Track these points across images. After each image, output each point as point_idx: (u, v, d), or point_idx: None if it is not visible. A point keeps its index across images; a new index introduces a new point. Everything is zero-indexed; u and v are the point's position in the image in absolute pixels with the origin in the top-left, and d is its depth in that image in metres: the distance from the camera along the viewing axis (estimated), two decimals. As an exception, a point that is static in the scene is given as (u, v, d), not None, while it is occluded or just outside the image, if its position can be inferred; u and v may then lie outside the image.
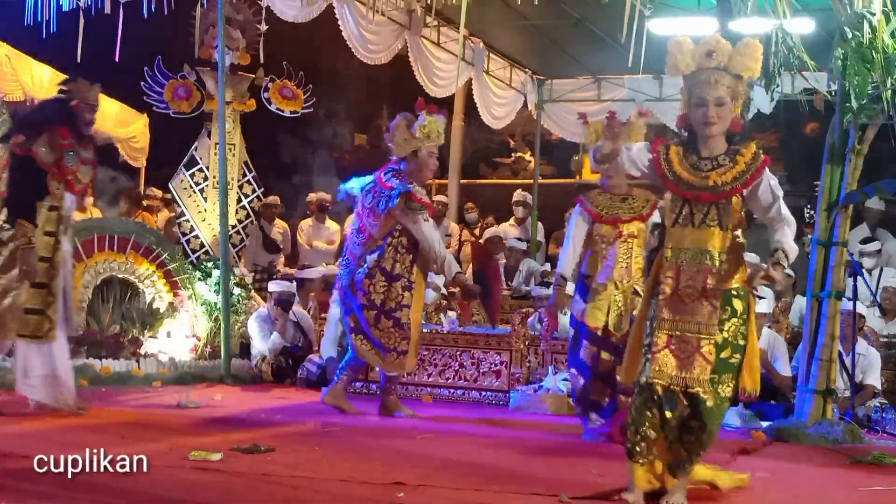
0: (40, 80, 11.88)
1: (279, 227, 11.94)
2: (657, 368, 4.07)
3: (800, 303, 8.82)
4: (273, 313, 9.21)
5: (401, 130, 6.81)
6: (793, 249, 4.13)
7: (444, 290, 9.45)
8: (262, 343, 9.13)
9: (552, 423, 7.05)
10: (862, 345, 7.71)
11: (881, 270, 9.58)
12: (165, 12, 8.67)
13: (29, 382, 6.20)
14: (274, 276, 10.60)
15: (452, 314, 8.99)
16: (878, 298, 8.87)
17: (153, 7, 8.57)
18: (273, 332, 9.12)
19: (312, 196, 12.49)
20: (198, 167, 10.34)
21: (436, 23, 11.06)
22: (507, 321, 9.02)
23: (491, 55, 12.23)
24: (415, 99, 6.92)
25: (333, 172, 18.60)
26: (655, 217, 6.19)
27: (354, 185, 7.12)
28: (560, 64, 12.63)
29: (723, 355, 4.09)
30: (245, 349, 9.54)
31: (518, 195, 12.58)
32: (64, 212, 6.21)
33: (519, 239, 11.45)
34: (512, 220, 12.55)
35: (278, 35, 10.46)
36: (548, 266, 11.29)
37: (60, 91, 6.30)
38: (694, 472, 4.22)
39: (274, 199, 12.08)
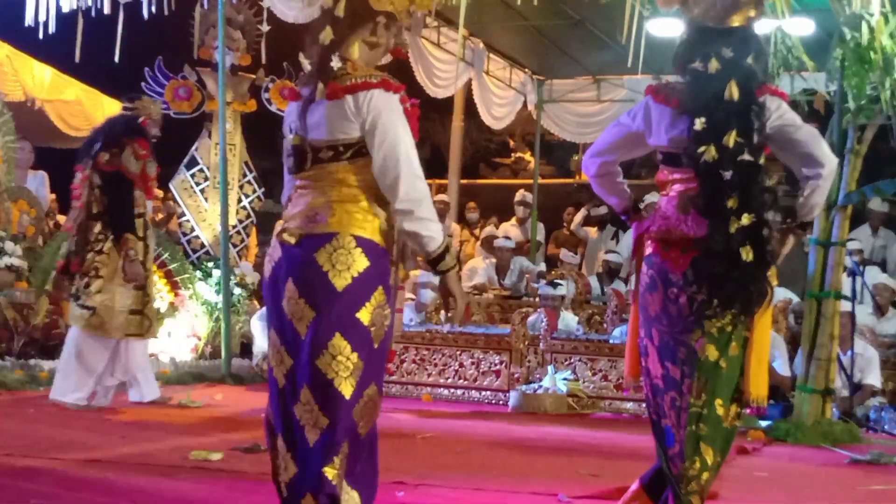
0: (41, 81, 11.90)
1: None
2: None
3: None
4: (274, 313, 9.21)
5: None
6: None
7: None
8: (263, 341, 9.14)
9: (552, 423, 7.07)
10: (860, 344, 7.73)
11: (864, 270, 9.56)
12: (165, 13, 8.67)
13: (134, 379, 6.85)
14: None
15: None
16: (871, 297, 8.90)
17: (153, 7, 8.58)
18: (274, 331, 9.12)
19: None
20: (198, 167, 10.35)
21: (436, 23, 11.07)
22: (506, 321, 9.03)
23: (491, 55, 12.23)
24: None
25: (334, 172, 18.60)
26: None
27: None
28: (560, 64, 12.63)
29: None
30: (245, 349, 9.55)
31: (520, 195, 12.58)
32: (146, 217, 6.87)
33: (506, 237, 11.43)
34: (513, 220, 12.53)
35: (279, 36, 10.47)
36: (543, 266, 11.28)
37: (125, 108, 6.92)
38: None
39: None
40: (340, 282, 2.80)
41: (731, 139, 3.13)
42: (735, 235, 3.12)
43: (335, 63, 2.88)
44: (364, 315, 2.82)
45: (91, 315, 6.58)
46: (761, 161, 3.23)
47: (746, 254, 3.12)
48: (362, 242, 2.82)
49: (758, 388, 3.31)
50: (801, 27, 7.54)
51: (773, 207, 3.23)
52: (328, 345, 2.80)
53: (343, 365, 2.81)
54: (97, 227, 6.66)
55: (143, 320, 6.77)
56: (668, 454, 3.27)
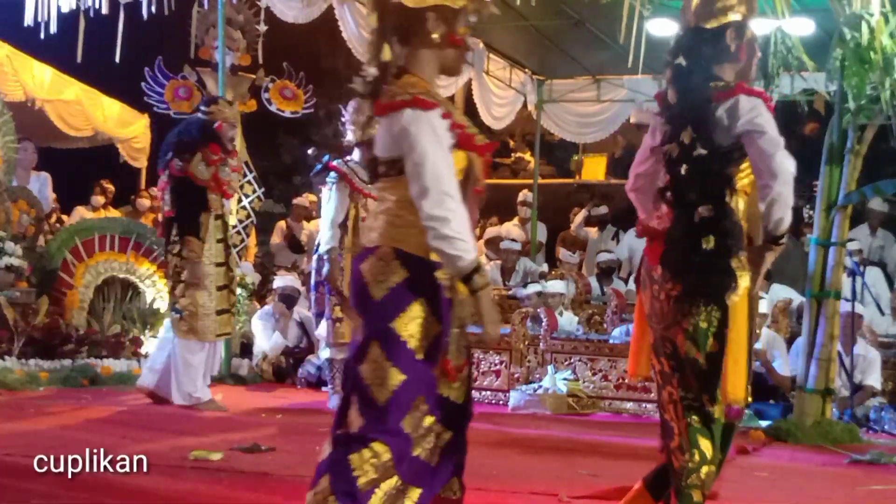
0: (41, 81, 11.91)
1: (307, 229, 11.87)
2: None
3: None
4: (276, 310, 9.21)
5: None
6: None
7: None
8: (264, 341, 9.13)
9: (551, 423, 7.06)
10: (861, 345, 7.72)
11: (864, 270, 9.56)
12: (166, 13, 8.68)
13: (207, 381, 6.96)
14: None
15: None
16: (879, 300, 8.89)
17: (153, 7, 8.58)
18: (276, 331, 9.12)
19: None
20: (198, 167, 10.34)
21: (436, 23, 11.06)
22: (506, 321, 9.02)
23: (491, 55, 12.23)
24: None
25: (334, 173, 18.59)
26: None
27: None
28: (560, 64, 12.63)
29: None
30: (245, 349, 9.55)
31: (523, 196, 12.58)
32: (226, 218, 7.07)
33: (512, 240, 11.45)
34: (516, 220, 12.54)
35: (278, 36, 10.46)
36: (545, 266, 11.27)
37: (201, 111, 6.93)
38: None
39: (301, 200, 12.06)
40: (378, 292, 2.84)
41: (686, 135, 3.22)
42: (696, 225, 3.21)
43: (369, 72, 2.89)
44: (399, 325, 2.84)
45: (180, 319, 6.75)
46: (747, 157, 3.28)
47: (707, 243, 3.19)
48: (402, 255, 2.84)
49: (735, 389, 3.30)
50: (801, 27, 7.54)
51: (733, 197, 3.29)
52: (368, 351, 2.86)
53: (376, 374, 2.84)
54: (173, 231, 6.82)
55: (231, 318, 7.09)
56: (670, 447, 3.31)
